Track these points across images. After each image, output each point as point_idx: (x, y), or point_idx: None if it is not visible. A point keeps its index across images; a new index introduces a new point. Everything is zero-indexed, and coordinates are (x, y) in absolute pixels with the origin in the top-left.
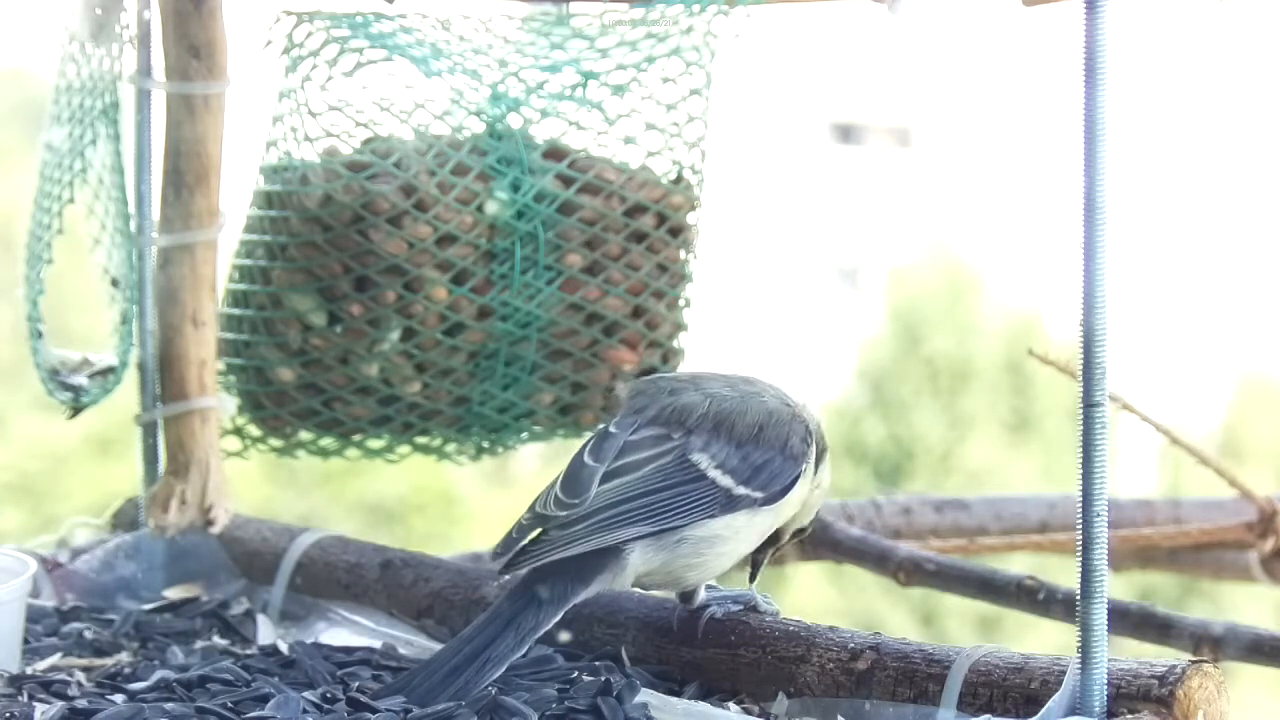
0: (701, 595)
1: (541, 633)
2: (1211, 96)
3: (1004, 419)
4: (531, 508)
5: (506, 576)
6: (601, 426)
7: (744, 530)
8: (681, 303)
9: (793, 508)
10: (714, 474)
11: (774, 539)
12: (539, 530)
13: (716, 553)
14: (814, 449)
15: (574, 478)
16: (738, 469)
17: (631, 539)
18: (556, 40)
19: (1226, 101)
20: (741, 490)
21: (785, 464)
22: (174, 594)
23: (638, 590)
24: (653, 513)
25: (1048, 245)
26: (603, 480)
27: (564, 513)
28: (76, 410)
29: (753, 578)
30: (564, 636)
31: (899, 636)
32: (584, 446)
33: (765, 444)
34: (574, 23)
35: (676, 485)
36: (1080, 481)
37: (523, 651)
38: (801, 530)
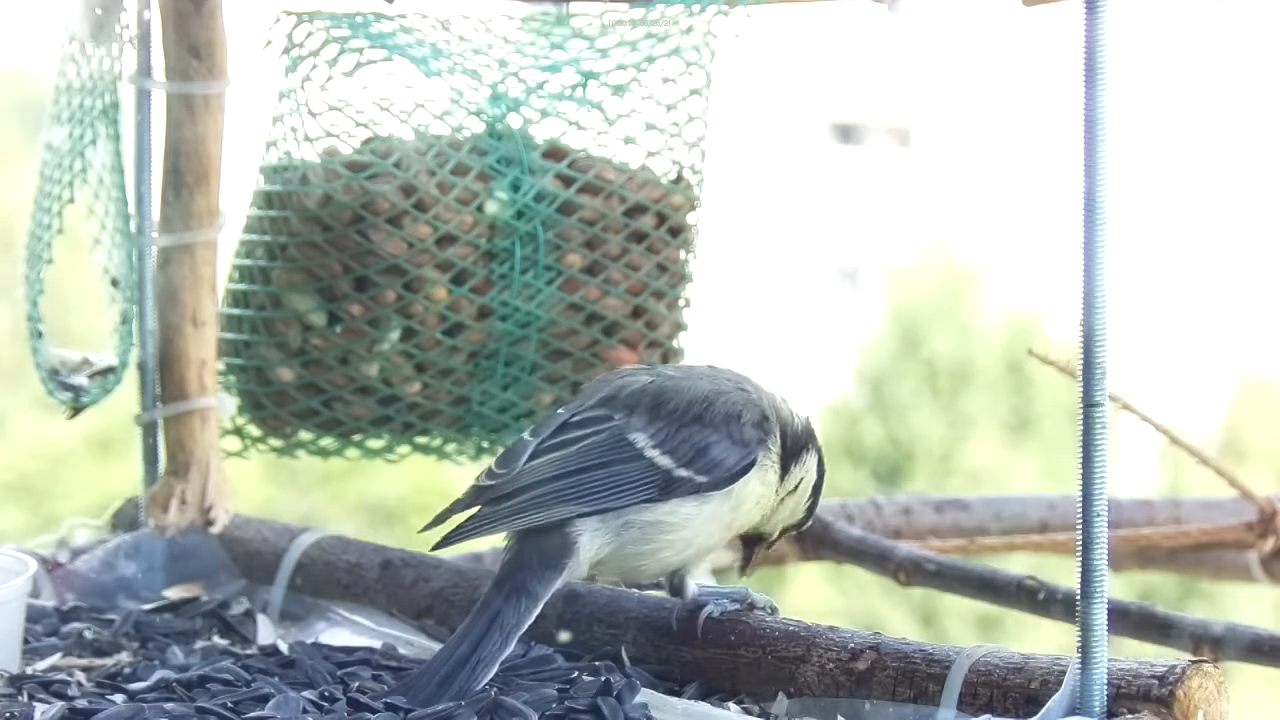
0: (692, 589)
1: (525, 627)
2: (1211, 96)
3: (1004, 419)
4: (472, 485)
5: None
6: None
7: (695, 519)
8: (681, 303)
9: (753, 499)
10: (651, 454)
11: (761, 537)
12: (475, 508)
13: (666, 540)
14: (776, 439)
15: (509, 451)
16: (677, 449)
17: (571, 518)
18: (556, 40)
19: (1226, 101)
20: (682, 472)
21: (732, 448)
22: (174, 594)
23: (636, 590)
24: (585, 491)
25: (1048, 245)
26: (535, 454)
27: (493, 483)
28: (76, 410)
29: (744, 570)
30: (564, 636)
31: (899, 636)
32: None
33: (708, 425)
34: (574, 23)
35: (611, 463)
36: (1080, 481)
37: (510, 648)
38: (793, 527)
